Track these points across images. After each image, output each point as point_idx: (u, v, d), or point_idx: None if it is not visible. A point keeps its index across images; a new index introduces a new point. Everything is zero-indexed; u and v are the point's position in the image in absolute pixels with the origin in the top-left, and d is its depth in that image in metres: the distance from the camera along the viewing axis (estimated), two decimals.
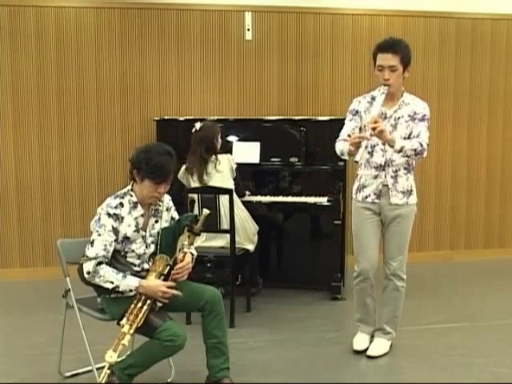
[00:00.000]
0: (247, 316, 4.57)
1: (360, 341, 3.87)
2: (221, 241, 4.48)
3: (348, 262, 5.18)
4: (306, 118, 5.43)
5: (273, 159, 5.18)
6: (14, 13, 5.40)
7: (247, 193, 4.89)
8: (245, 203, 4.70)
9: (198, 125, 4.67)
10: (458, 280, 5.62)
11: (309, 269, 5.21)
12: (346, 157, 3.67)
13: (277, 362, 3.73)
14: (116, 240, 3.13)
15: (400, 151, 3.51)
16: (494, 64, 6.22)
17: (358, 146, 3.46)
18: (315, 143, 5.18)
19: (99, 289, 3.12)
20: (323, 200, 4.90)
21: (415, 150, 3.52)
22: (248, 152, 5.14)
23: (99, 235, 3.09)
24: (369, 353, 3.77)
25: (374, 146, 3.65)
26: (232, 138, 5.19)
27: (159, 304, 3.07)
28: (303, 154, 5.16)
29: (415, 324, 4.35)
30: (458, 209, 6.30)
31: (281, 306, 4.80)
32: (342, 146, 3.64)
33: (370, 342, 3.86)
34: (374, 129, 3.40)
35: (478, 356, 3.78)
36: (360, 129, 3.68)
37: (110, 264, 3.10)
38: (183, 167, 4.59)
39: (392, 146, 3.51)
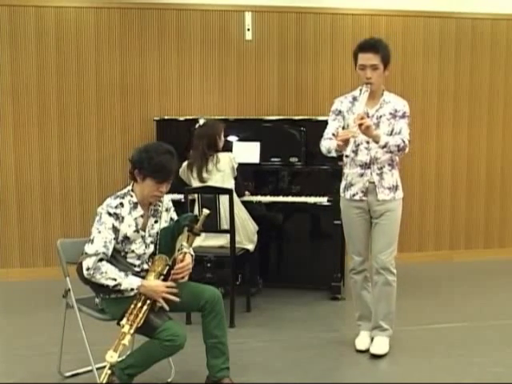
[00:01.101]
0: (247, 316, 4.57)
1: (362, 340, 3.89)
2: (220, 240, 4.47)
3: (348, 261, 5.16)
4: (305, 117, 5.43)
5: (273, 159, 5.18)
6: (14, 13, 5.40)
7: (247, 193, 4.89)
8: (244, 203, 4.70)
9: (201, 120, 4.71)
10: (458, 280, 5.62)
11: (309, 269, 5.21)
12: (333, 154, 3.74)
13: (277, 361, 3.73)
14: (116, 239, 3.13)
15: (384, 147, 3.60)
16: (493, 64, 6.22)
17: (347, 142, 3.54)
18: (315, 143, 5.09)
19: (98, 288, 3.11)
20: (323, 200, 4.91)
21: (398, 146, 3.61)
22: (248, 152, 5.14)
23: (99, 232, 3.08)
24: (372, 351, 3.77)
25: (359, 144, 3.72)
26: (232, 138, 5.19)
27: (159, 304, 3.07)
28: (303, 154, 5.16)
29: (415, 324, 4.35)
30: (457, 209, 6.30)
31: (281, 306, 4.80)
32: (328, 144, 3.72)
33: (372, 339, 3.88)
34: (360, 125, 3.48)
35: (478, 356, 3.78)
36: (343, 128, 3.76)
37: (110, 263, 3.09)
38: (184, 163, 4.60)
39: (377, 142, 3.59)
